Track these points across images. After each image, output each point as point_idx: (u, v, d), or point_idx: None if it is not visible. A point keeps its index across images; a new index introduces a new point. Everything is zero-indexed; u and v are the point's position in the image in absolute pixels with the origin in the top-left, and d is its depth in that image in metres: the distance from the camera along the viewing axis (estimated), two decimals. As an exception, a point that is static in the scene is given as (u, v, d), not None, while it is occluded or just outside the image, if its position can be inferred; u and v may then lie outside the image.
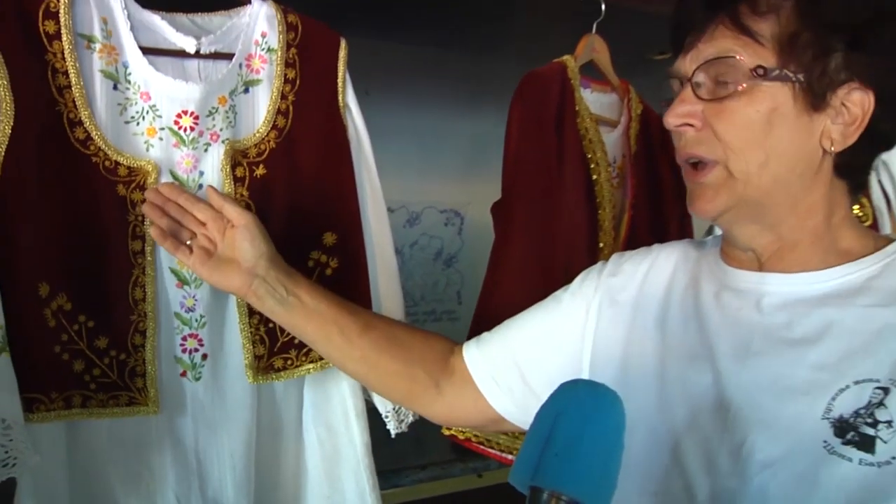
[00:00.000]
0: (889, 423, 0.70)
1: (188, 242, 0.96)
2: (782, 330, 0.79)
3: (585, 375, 0.91)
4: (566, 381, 0.66)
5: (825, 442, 0.72)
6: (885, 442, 0.69)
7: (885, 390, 0.71)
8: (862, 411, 0.72)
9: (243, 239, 0.94)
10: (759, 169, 0.77)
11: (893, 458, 0.69)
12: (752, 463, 0.75)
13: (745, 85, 0.76)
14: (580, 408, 0.63)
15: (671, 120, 0.81)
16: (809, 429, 0.73)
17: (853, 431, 0.71)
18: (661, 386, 0.86)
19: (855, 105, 0.77)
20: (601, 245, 1.29)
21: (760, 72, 0.75)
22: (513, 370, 0.96)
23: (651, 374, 0.87)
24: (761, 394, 0.78)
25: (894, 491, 0.68)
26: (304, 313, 0.96)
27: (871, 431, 0.70)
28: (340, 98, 1.09)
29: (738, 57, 0.76)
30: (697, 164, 0.81)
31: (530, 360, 0.95)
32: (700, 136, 0.80)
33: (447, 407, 1.01)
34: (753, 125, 0.77)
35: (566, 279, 1.13)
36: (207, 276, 0.95)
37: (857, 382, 0.73)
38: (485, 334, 1.03)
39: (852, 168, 0.82)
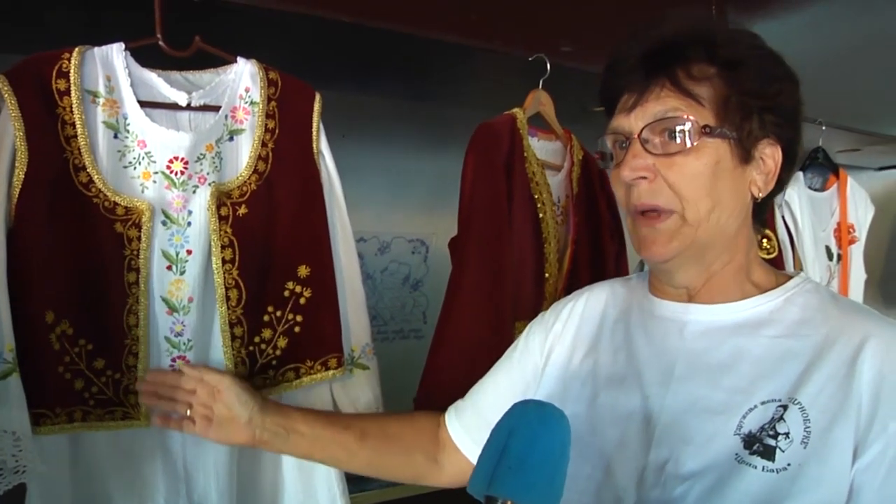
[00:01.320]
0: (787, 434, 0.78)
1: (189, 413, 1.02)
2: (701, 356, 0.86)
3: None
4: (518, 402, 0.73)
5: (736, 454, 0.79)
6: (783, 451, 0.77)
7: (785, 407, 0.79)
8: (766, 426, 0.79)
9: (231, 399, 1.00)
10: (707, 214, 0.83)
11: (789, 464, 0.76)
12: (675, 476, 0.81)
13: (696, 141, 0.82)
14: (529, 426, 0.69)
15: (628, 174, 0.84)
16: (724, 444, 0.80)
17: (758, 443, 0.78)
18: (594, 410, 0.91)
19: (769, 158, 0.86)
20: (547, 276, 1.35)
21: (707, 130, 0.82)
22: (488, 431, 1.05)
23: (585, 399, 0.93)
24: (683, 414, 0.84)
25: (790, 492, 0.75)
26: (307, 444, 1.03)
27: (772, 442, 0.78)
28: (315, 145, 1.16)
29: (688, 116, 0.82)
30: (649, 212, 0.85)
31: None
32: (653, 187, 0.84)
33: (449, 475, 1.09)
34: (703, 176, 0.82)
35: (514, 306, 1.23)
36: (216, 438, 1.02)
37: (763, 403, 0.80)
38: (459, 402, 1.10)
39: (761, 210, 0.92)
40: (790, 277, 0.91)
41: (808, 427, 0.77)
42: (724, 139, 0.83)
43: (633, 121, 0.85)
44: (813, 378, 0.80)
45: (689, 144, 0.82)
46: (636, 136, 0.84)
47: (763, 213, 0.93)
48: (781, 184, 0.90)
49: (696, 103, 0.83)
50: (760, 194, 0.88)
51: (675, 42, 0.85)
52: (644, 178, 0.84)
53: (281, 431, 1.02)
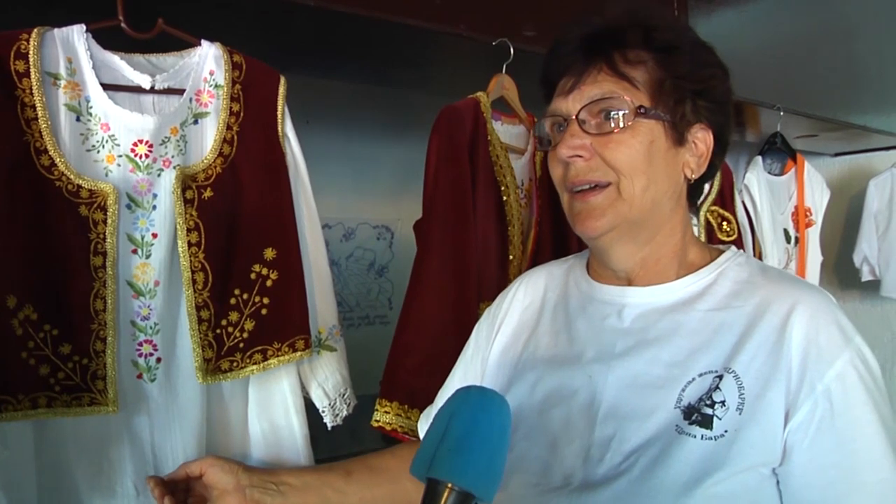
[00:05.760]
0: (723, 402, 0.81)
1: None
2: (640, 334, 0.89)
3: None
4: (461, 387, 0.75)
5: (677, 426, 0.82)
6: (719, 419, 0.80)
7: (720, 377, 0.82)
8: (703, 396, 0.82)
9: (216, 475, 1.03)
10: (642, 192, 0.87)
11: (726, 431, 0.80)
12: (620, 452, 0.84)
13: (631, 121, 0.85)
14: (470, 410, 0.70)
15: (565, 152, 0.87)
16: (665, 417, 0.83)
17: (697, 413, 0.82)
18: (539, 392, 0.94)
19: (701, 142, 0.90)
20: (511, 258, 1.36)
21: (642, 110, 0.86)
22: None
23: (529, 382, 0.95)
24: (625, 391, 0.87)
25: (727, 457, 0.79)
26: (299, 494, 1.05)
27: (709, 411, 0.81)
28: (280, 128, 1.16)
29: (624, 97, 0.85)
30: (582, 191, 0.88)
31: None
32: (590, 164, 0.87)
33: None
34: (638, 154, 0.86)
35: (478, 288, 1.24)
36: None
37: (700, 375, 0.84)
38: (427, 410, 1.11)
39: (695, 193, 0.96)
40: (722, 252, 0.94)
41: (743, 394, 0.81)
42: (658, 121, 0.87)
43: (570, 103, 0.89)
44: (746, 347, 0.83)
45: (622, 125, 0.86)
46: (574, 117, 0.88)
47: (696, 195, 0.97)
48: (713, 168, 0.94)
49: (631, 86, 0.87)
50: (693, 176, 0.92)
51: (613, 28, 0.89)
52: (581, 156, 0.88)
53: (271, 486, 1.04)
